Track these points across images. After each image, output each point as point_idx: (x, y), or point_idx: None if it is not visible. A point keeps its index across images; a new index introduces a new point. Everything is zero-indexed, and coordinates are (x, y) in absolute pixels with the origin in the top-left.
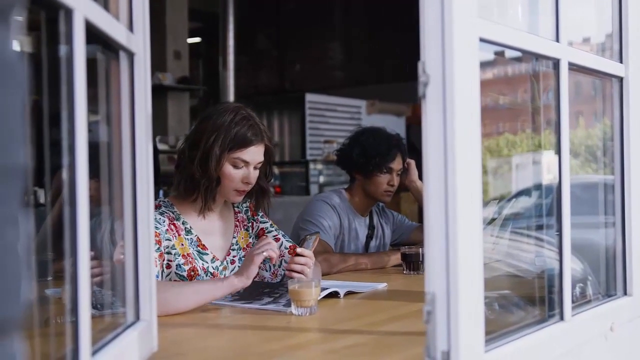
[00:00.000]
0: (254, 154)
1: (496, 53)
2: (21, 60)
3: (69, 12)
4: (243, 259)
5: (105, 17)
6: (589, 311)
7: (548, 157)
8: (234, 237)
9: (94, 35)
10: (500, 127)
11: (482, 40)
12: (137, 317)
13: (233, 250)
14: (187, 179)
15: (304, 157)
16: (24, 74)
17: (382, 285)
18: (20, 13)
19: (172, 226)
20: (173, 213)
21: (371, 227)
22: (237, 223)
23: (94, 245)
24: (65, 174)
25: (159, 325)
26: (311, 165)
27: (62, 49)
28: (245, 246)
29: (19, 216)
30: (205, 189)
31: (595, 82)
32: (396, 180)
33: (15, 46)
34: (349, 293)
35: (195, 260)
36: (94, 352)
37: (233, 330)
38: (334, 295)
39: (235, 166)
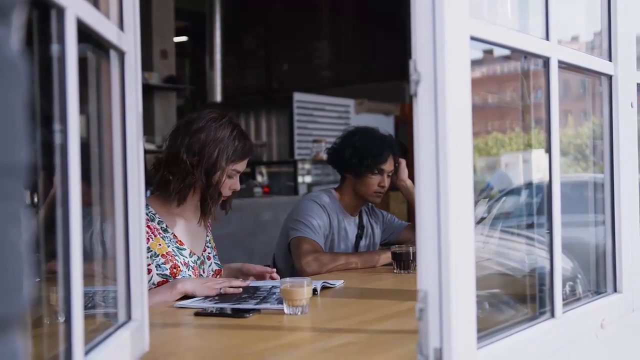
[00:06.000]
0: (245, 164)
1: (485, 51)
2: (22, 59)
3: (60, 11)
4: (216, 256)
5: (97, 16)
6: (579, 308)
7: (537, 156)
8: (207, 236)
9: (84, 34)
10: (489, 125)
11: (473, 38)
12: (129, 317)
13: (208, 247)
14: (187, 187)
15: (292, 156)
16: (24, 73)
17: (339, 283)
18: (22, 12)
19: (147, 228)
20: (147, 214)
21: (361, 227)
22: (208, 224)
23: (83, 245)
24: (57, 175)
25: (151, 326)
26: (299, 165)
27: (54, 48)
28: (213, 246)
29: (21, 213)
30: (212, 199)
31: (584, 80)
32: (387, 182)
33: (17, 45)
34: (324, 288)
35: (176, 257)
36: (87, 352)
37: (225, 330)
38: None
39: (230, 176)
